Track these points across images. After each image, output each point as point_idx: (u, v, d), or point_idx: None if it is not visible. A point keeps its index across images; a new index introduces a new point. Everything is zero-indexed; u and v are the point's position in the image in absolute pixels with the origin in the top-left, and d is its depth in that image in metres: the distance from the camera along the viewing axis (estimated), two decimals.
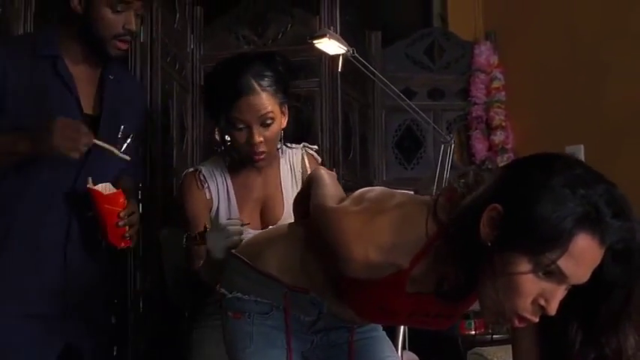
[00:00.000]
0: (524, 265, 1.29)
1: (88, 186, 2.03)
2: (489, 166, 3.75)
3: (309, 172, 2.27)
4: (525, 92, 3.76)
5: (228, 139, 2.27)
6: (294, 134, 2.78)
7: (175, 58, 3.11)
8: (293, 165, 2.39)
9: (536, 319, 1.34)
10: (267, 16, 3.35)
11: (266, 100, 2.21)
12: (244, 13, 3.38)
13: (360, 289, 1.52)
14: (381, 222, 1.45)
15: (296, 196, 1.81)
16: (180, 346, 2.49)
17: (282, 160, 2.37)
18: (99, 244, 2.18)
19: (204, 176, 2.31)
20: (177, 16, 3.15)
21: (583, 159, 3.28)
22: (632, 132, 3.14)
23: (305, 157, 2.41)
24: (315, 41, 2.56)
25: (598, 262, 1.29)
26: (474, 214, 1.34)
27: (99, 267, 2.24)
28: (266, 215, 2.34)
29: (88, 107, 2.16)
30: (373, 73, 2.57)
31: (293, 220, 1.85)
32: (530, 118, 3.74)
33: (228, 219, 2.21)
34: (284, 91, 2.27)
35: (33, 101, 2.07)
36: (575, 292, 1.32)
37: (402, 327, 2.44)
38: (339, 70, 2.66)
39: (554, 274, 1.28)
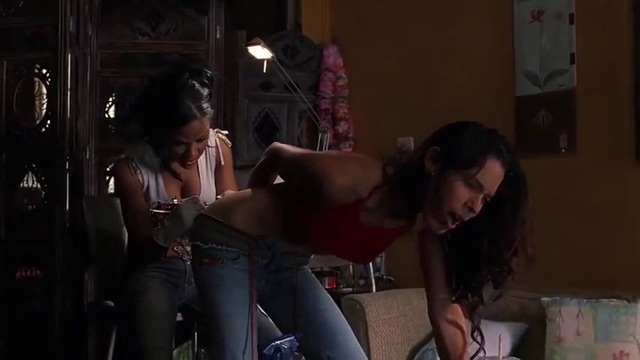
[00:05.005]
0: (457, 177, 1.90)
1: None
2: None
3: (221, 155, 2.72)
4: (365, 90, 4.39)
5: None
6: None
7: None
8: (208, 150, 2.68)
9: (465, 219, 1.94)
10: (161, 12, 3.75)
11: (205, 123, 2.47)
12: (140, 7, 3.76)
13: (322, 219, 2.03)
14: (349, 162, 2.02)
15: (255, 168, 2.30)
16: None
17: None
18: None
19: (135, 164, 2.59)
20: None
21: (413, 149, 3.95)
22: None
23: (218, 142, 2.68)
24: (249, 47, 3.04)
25: (501, 179, 1.93)
26: (419, 156, 1.93)
27: None
28: (186, 193, 2.60)
29: None
30: (284, 75, 3.10)
31: (213, 195, 2.48)
32: (369, 112, 4.36)
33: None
34: (212, 105, 2.51)
35: None
36: (482, 209, 1.94)
37: None
38: (264, 72, 3.14)
39: (475, 184, 1.90)
